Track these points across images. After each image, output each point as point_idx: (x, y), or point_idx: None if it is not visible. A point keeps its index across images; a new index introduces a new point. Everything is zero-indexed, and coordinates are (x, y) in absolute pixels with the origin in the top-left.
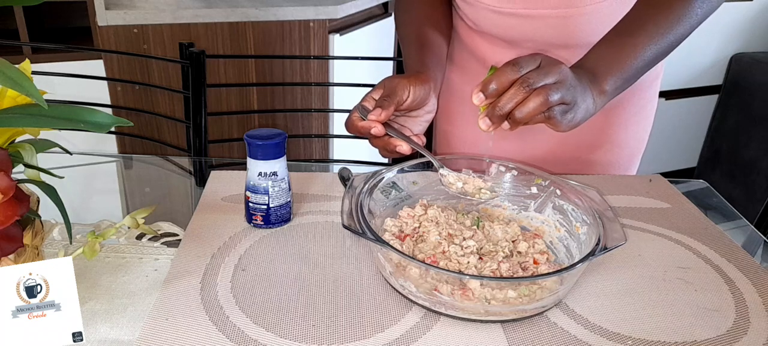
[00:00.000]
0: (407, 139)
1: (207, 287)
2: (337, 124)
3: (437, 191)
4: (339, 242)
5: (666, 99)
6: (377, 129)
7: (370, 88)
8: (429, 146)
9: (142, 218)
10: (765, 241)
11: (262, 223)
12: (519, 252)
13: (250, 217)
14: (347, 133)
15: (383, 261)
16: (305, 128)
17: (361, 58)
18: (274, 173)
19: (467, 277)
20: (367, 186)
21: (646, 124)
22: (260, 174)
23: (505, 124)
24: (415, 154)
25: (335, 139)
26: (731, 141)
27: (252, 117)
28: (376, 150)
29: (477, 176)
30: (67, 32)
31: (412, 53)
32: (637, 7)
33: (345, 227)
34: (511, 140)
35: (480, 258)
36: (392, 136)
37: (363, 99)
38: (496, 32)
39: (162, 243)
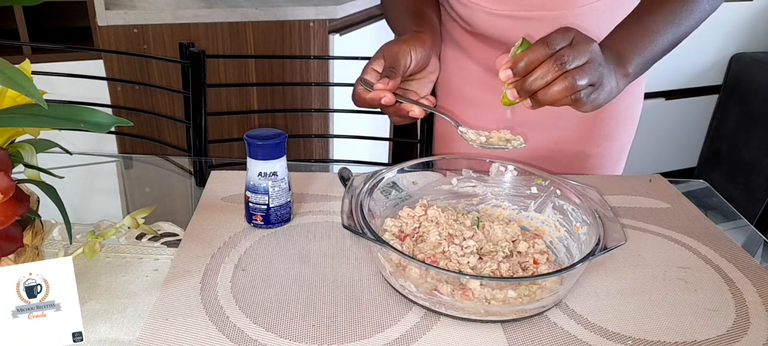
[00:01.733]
0: (417, 102)
1: (207, 287)
2: (337, 124)
3: (437, 191)
4: (339, 242)
5: (666, 99)
6: (387, 98)
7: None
8: (429, 146)
9: (142, 218)
10: (765, 241)
11: (262, 223)
12: (519, 252)
13: (250, 217)
14: (347, 133)
15: (383, 261)
16: (305, 128)
17: (361, 58)
18: (274, 173)
19: (467, 277)
20: (367, 186)
21: (635, 117)
22: (260, 174)
23: (527, 102)
24: (414, 152)
25: (335, 139)
26: (731, 141)
27: (252, 117)
28: (376, 149)
29: (501, 132)
30: (67, 32)
31: (406, 24)
32: None
33: (345, 227)
34: None
35: (480, 258)
36: (402, 103)
37: (364, 71)
38: (492, 33)
39: (162, 243)
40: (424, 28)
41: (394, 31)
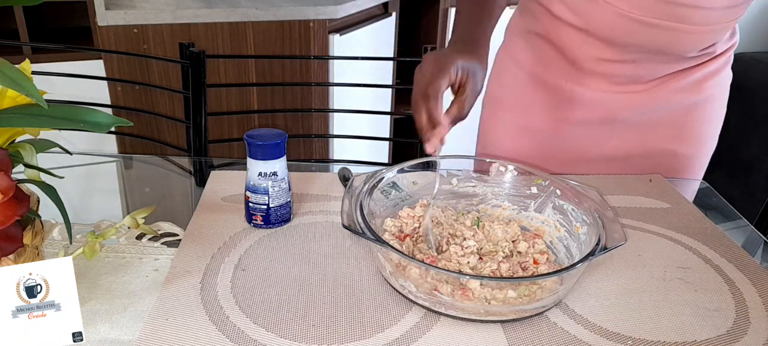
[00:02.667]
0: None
1: (207, 287)
2: (337, 124)
3: (437, 191)
4: (339, 242)
5: None
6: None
7: (374, 87)
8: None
9: (142, 218)
10: (765, 241)
11: (262, 223)
12: (519, 252)
13: (250, 217)
14: (347, 133)
15: (383, 261)
16: (305, 128)
17: (361, 58)
18: (274, 173)
19: (467, 277)
20: (367, 186)
21: (720, 121)
22: (260, 174)
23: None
24: (414, 152)
25: (335, 139)
26: (731, 141)
27: (252, 117)
28: (376, 149)
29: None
30: (67, 32)
31: (470, 18)
32: None
33: (345, 227)
34: (598, 132)
35: (480, 258)
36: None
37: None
38: (610, 35)
39: (162, 243)
40: (484, 40)
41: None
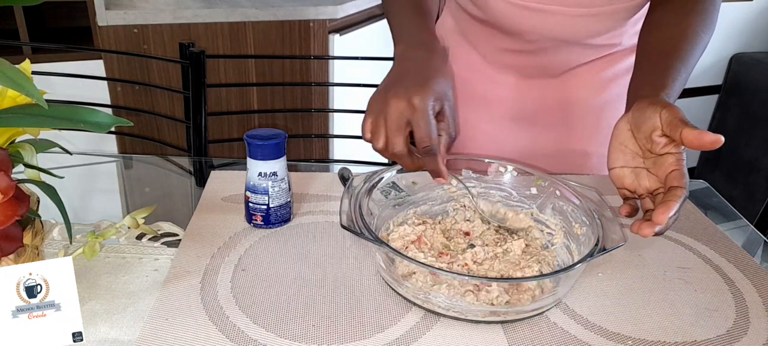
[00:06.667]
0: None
1: (207, 287)
2: (337, 124)
3: (437, 193)
4: (339, 242)
5: None
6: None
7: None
8: None
9: (142, 218)
10: (765, 241)
11: (262, 223)
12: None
13: (250, 217)
14: (347, 133)
15: (382, 262)
16: (305, 128)
17: (361, 58)
18: (274, 173)
19: (466, 277)
20: (366, 186)
21: None
22: (260, 174)
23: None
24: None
25: (335, 139)
26: (731, 141)
27: (252, 117)
28: (377, 152)
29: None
30: (67, 32)
31: (411, 24)
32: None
33: (344, 227)
34: (509, 130)
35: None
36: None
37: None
38: (504, 23)
39: (162, 243)
40: (436, 42)
41: (392, 25)
